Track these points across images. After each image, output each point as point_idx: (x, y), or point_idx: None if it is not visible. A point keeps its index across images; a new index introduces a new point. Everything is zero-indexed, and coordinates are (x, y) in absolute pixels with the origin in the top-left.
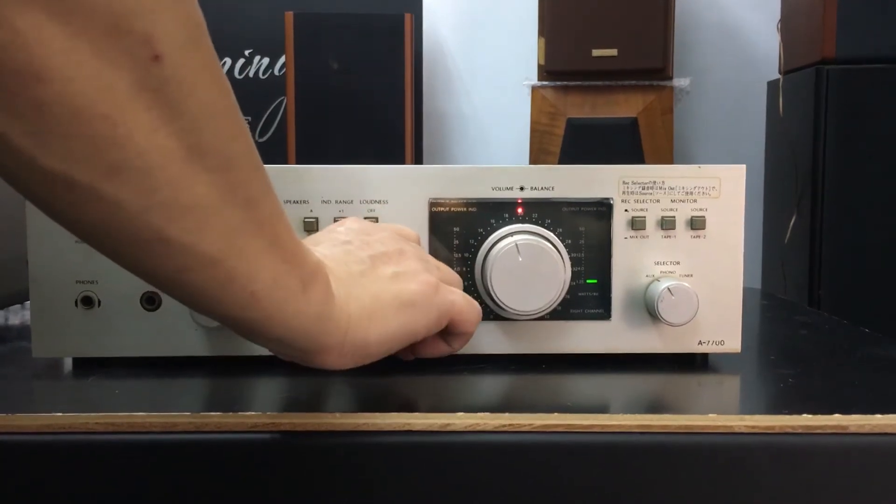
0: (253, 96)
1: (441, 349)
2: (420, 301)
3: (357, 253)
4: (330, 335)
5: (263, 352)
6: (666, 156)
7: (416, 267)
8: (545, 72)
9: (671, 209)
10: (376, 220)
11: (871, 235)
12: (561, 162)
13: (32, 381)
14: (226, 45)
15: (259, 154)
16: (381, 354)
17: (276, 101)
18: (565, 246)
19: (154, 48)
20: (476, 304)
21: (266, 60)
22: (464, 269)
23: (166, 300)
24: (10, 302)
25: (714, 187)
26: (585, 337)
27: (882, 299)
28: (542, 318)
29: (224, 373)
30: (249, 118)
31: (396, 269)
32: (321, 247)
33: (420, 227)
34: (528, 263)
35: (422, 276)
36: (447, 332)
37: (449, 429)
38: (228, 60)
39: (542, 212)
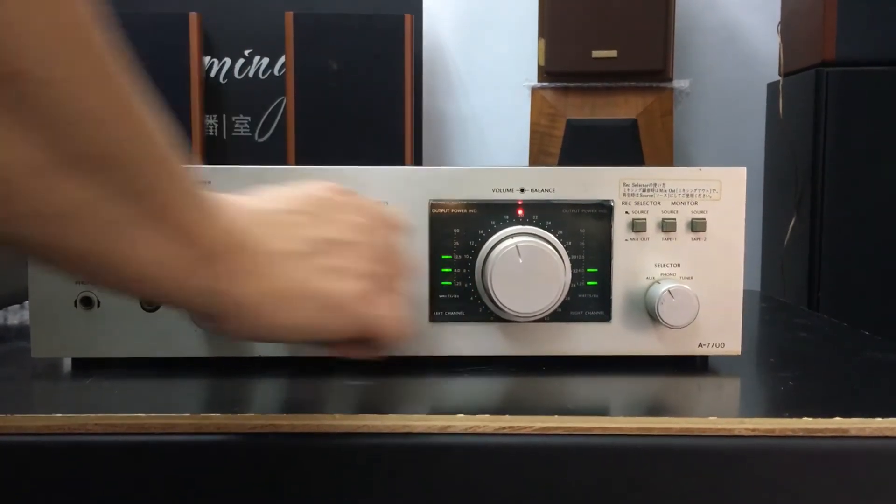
0: (252, 96)
1: (357, 353)
2: (342, 308)
3: (302, 231)
4: (226, 309)
5: (263, 353)
6: (666, 157)
7: (357, 269)
8: (545, 73)
9: (672, 211)
10: None
11: (871, 238)
12: (561, 163)
13: (31, 382)
14: (226, 45)
15: (172, 143)
16: (288, 341)
17: (276, 102)
18: (566, 248)
19: (11, 65)
20: (405, 322)
21: (266, 60)
22: (464, 270)
23: None
24: (9, 302)
25: (715, 189)
26: (585, 339)
27: (882, 302)
28: (542, 320)
29: (223, 374)
30: (249, 118)
31: (336, 263)
32: (272, 205)
33: (420, 228)
34: (528, 265)
35: (357, 283)
36: (369, 339)
37: (449, 431)
38: (228, 60)
39: (543, 213)
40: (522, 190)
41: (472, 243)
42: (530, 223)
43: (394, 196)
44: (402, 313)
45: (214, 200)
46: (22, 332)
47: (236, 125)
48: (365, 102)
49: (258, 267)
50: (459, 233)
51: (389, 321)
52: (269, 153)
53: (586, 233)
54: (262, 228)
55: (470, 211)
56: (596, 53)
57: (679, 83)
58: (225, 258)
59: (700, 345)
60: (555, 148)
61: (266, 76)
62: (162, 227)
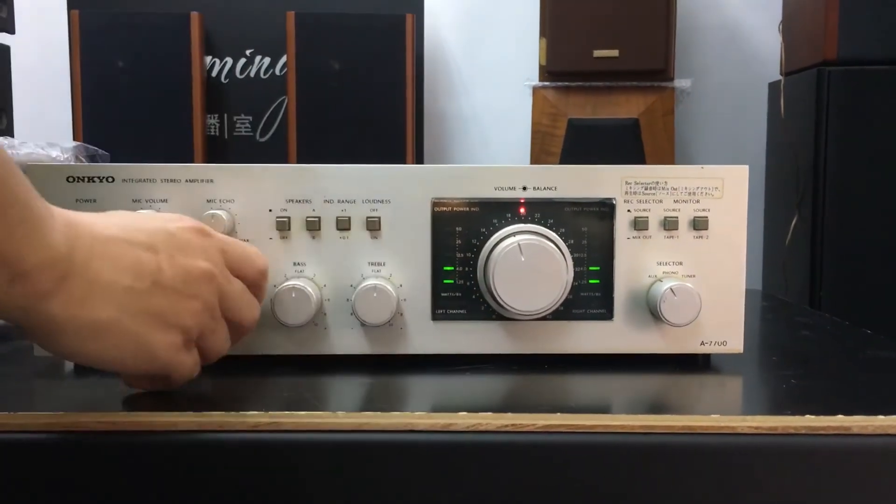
0: (254, 96)
1: (147, 386)
2: (149, 354)
3: (137, 266)
4: (37, 327)
5: (264, 351)
6: (667, 157)
7: (177, 320)
8: (546, 72)
9: (674, 209)
10: (378, 220)
11: (873, 236)
12: (562, 163)
13: (34, 381)
14: (227, 44)
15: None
16: (87, 365)
17: (277, 101)
18: (568, 246)
19: None
20: (197, 370)
21: (267, 60)
22: (466, 268)
23: None
24: None
25: (717, 188)
26: (588, 337)
27: (883, 300)
28: (544, 318)
29: (224, 372)
30: (250, 117)
31: (159, 308)
32: (124, 234)
33: (423, 226)
34: (530, 263)
35: (172, 333)
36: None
37: (451, 429)
38: (229, 60)
39: (545, 212)
40: (525, 188)
41: (474, 242)
42: (532, 221)
43: (396, 194)
44: (197, 364)
45: (46, 222)
46: None
47: (238, 125)
48: (366, 102)
49: (78, 293)
50: (462, 231)
51: (185, 369)
52: (271, 153)
53: (588, 231)
54: (97, 258)
55: (472, 209)
56: (597, 53)
57: (680, 82)
58: (41, 280)
59: (702, 343)
60: (556, 147)
61: (267, 76)
62: None
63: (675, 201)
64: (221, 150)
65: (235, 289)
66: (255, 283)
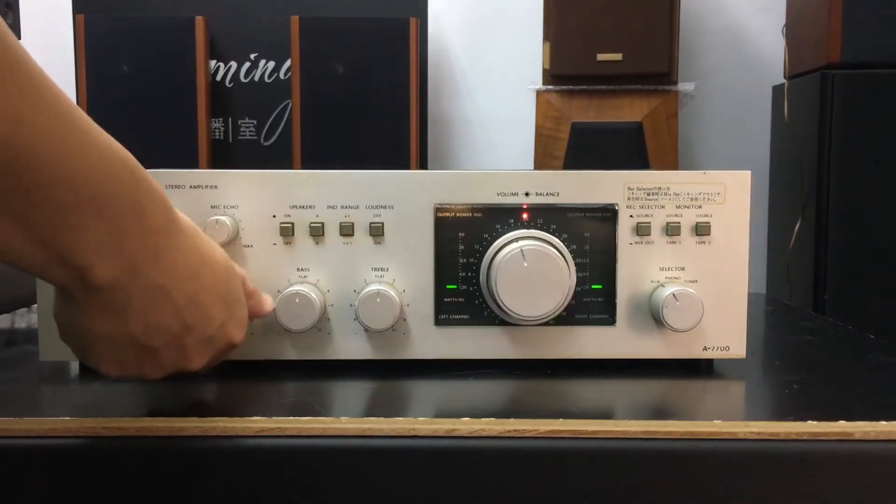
0: (258, 100)
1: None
2: (111, 367)
3: (192, 313)
4: (58, 308)
5: (268, 356)
6: (671, 160)
7: (160, 359)
8: (550, 76)
9: (676, 215)
10: (381, 226)
11: (877, 241)
12: (565, 166)
13: (39, 385)
14: (232, 48)
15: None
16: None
17: (282, 105)
18: (570, 251)
19: None
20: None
21: (271, 64)
22: (469, 274)
23: None
24: (17, 305)
25: (719, 193)
26: (590, 342)
27: (887, 305)
28: (547, 324)
29: (229, 377)
30: (255, 121)
31: (160, 346)
32: (194, 268)
33: (426, 231)
34: (533, 269)
35: (143, 357)
36: None
37: (454, 434)
38: (234, 64)
39: (548, 217)
40: (527, 194)
41: (477, 247)
42: (535, 227)
43: (399, 200)
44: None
45: (127, 237)
46: (30, 335)
47: (242, 129)
48: (370, 106)
49: (98, 307)
50: (464, 237)
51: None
52: (275, 157)
53: (591, 237)
54: (140, 298)
55: (475, 215)
56: (601, 56)
57: (684, 86)
58: (86, 276)
59: (705, 348)
60: (560, 151)
61: (272, 80)
62: (21, 230)
63: (678, 207)
64: (226, 154)
65: (200, 357)
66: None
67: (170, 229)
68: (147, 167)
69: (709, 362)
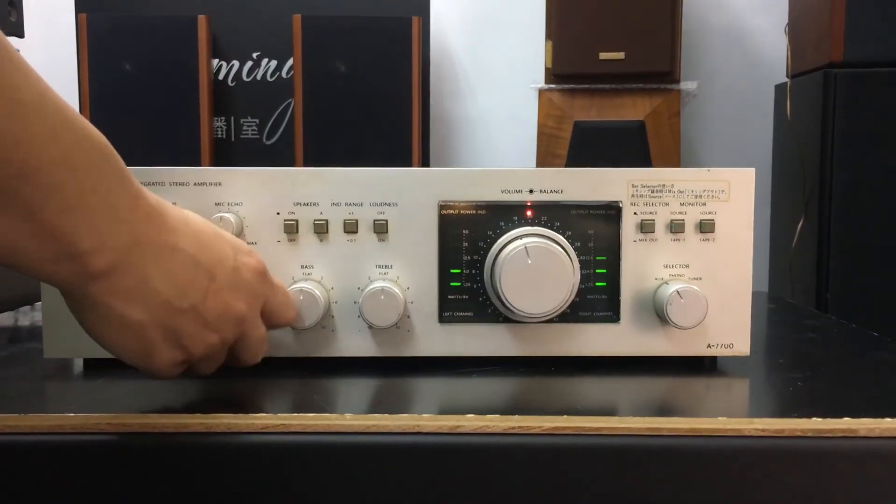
0: (260, 99)
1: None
2: (151, 365)
3: (192, 291)
4: (72, 297)
5: (273, 353)
6: (673, 159)
7: (196, 350)
8: (552, 75)
9: (680, 212)
10: (385, 223)
11: (879, 239)
12: (568, 165)
13: (43, 382)
14: (234, 47)
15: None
16: (98, 344)
17: (284, 104)
18: (574, 249)
19: None
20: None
21: (274, 63)
22: (473, 271)
23: None
24: (20, 303)
25: (723, 190)
26: (594, 339)
27: (890, 303)
28: (550, 321)
29: (233, 374)
30: (257, 120)
31: (188, 333)
32: (190, 248)
33: (430, 229)
34: (537, 266)
35: (179, 355)
36: None
37: (458, 430)
38: (236, 63)
39: (552, 214)
40: (531, 191)
41: (481, 244)
42: (539, 224)
43: (403, 197)
44: (176, 374)
45: (117, 211)
46: (34, 332)
47: (244, 127)
48: (372, 104)
49: (120, 286)
50: (468, 234)
51: (168, 377)
52: (278, 155)
53: (595, 234)
54: (157, 263)
55: (479, 212)
56: (603, 55)
57: (686, 85)
58: (89, 264)
59: (709, 345)
60: (562, 150)
61: (274, 78)
62: (39, 226)
63: (682, 204)
64: (228, 153)
65: (257, 336)
66: (284, 324)
67: (145, 193)
68: (149, 165)
69: (713, 360)
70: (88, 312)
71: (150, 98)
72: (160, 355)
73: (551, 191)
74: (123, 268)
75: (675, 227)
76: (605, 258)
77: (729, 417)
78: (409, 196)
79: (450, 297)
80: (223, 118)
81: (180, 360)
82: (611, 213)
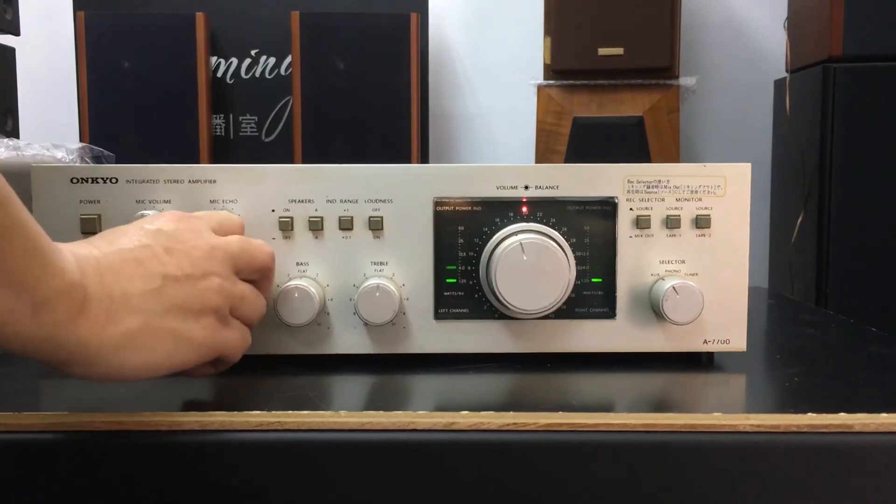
0: (259, 96)
1: (204, 372)
2: (189, 343)
3: (150, 265)
4: (70, 356)
5: (268, 350)
6: (672, 155)
7: (210, 302)
8: (551, 71)
9: (676, 208)
10: (380, 220)
11: (879, 234)
12: (567, 161)
13: (38, 380)
14: (232, 45)
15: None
16: (139, 379)
17: (283, 101)
18: (570, 245)
19: None
20: (247, 338)
21: (272, 60)
22: (468, 267)
23: None
24: None
25: (719, 186)
26: (590, 336)
27: (889, 298)
28: (546, 317)
29: (228, 372)
30: (256, 117)
31: (188, 295)
32: (116, 247)
33: (425, 225)
34: (532, 262)
35: (208, 318)
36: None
37: (453, 427)
38: (235, 60)
39: (547, 211)
40: (527, 187)
41: (476, 241)
42: (535, 220)
43: (398, 194)
44: (243, 333)
45: (56, 253)
46: None
47: (243, 125)
48: (371, 101)
49: (101, 312)
50: (464, 230)
51: (236, 343)
52: (276, 153)
53: (591, 230)
54: (106, 274)
55: (474, 208)
56: (602, 51)
57: (685, 80)
58: (63, 305)
59: (705, 341)
60: (561, 146)
61: (272, 76)
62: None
63: (678, 200)
64: (227, 151)
65: (248, 249)
66: (264, 266)
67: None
68: (148, 163)
69: (709, 355)
70: (97, 360)
71: (149, 96)
72: (193, 332)
73: (547, 187)
74: (90, 297)
75: (671, 223)
76: (600, 254)
77: (725, 413)
78: (404, 193)
79: (445, 293)
80: (222, 115)
81: (214, 321)
82: (606, 208)
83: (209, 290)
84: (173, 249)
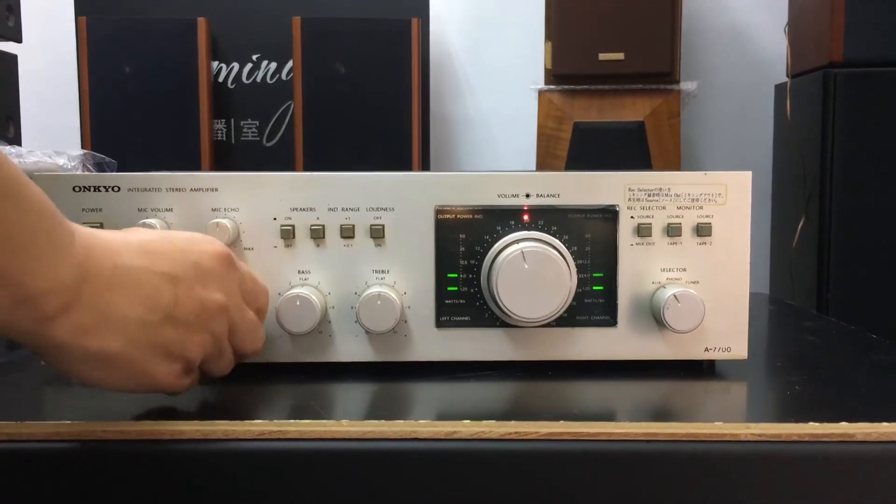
0: (260, 101)
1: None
2: (153, 383)
3: (162, 299)
4: (44, 350)
5: (269, 359)
6: (673, 160)
7: (190, 354)
8: (552, 76)
9: (677, 216)
10: (382, 228)
11: (880, 240)
12: (567, 166)
13: (41, 389)
14: (233, 49)
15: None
16: (98, 387)
17: (284, 106)
18: (571, 253)
19: None
20: (194, 385)
21: (273, 65)
22: (470, 275)
23: None
24: None
25: (720, 194)
26: (591, 344)
27: (891, 304)
28: (548, 325)
29: (229, 380)
30: (257, 122)
31: (176, 341)
32: (147, 261)
33: (426, 233)
34: (534, 270)
35: (177, 364)
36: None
37: (455, 436)
38: (236, 65)
39: (548, 219)
40: (528, 195)
41: (477, 249)
42: (536, 228)
43: (400, 202)
44: (199, 380)
45: (59, 249)
46: None
47: (244, 130)
48: (372, 106)
49: (86, 322)
50: (465, 238)
51: (184, 388)
52: (277, 157)
53: (592, 238)
54: (114, 288)
55: (476, 216)
56: (603, 56)
57: (686, 85)
58: (45, 305)
59: (706, 349)
60: (562, 150)
61: (274, 81)
62: None
63: (679, 208)
64: (228, 155)
65: (247, 320)
66: (261, 311)
67: (76, 226)
68: (149, 169)
69: (710, 363)
70: (64, 360)
71: (150, 100)
72: (159, 373)
73: (548, 195)
74: (80, 305)
75: (672, 231)
76: (602, 262)
77: (726, 422)
78: (405, 201)
79: (447, 301)
80: (223, 120)
81: (182, 370)
82: (608, 216)
83: (196, 344)
84: (192, 292)
